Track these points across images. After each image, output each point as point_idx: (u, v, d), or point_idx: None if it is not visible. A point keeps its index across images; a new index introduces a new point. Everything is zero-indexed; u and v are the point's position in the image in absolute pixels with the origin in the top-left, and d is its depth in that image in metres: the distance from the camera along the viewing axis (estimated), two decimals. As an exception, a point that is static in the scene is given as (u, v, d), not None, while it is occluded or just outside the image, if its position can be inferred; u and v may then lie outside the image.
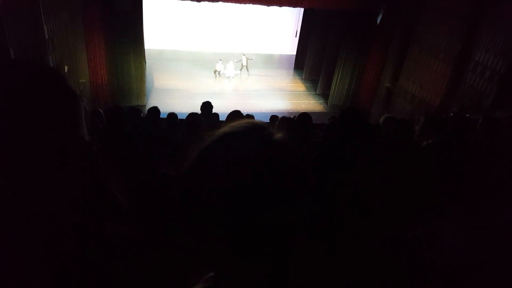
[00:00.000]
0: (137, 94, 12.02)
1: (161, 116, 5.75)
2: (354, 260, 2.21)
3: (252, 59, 16.35)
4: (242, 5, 11.75)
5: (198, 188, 0.69)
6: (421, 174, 3.10)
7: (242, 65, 16.12)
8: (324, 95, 14.56)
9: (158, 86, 14.06)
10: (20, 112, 0.71)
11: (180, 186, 0.74)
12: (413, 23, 10.74)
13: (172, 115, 5.90)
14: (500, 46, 7.99)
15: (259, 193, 0.65)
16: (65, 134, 0.78)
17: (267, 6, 11.70)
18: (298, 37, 18.11)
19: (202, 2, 11.25)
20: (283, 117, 5.12)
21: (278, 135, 0.72)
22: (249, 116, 5.69)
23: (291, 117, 5.64)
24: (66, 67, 8.37)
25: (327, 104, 13.96)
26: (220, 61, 15.65)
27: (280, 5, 11.47)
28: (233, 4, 11.66)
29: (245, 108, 9.53)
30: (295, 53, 18.45)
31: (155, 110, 5.52)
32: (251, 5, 11.53)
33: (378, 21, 11.29)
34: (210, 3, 11.57)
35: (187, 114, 5.06)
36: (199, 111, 5.72)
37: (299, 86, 15.99)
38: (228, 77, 15.81)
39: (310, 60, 16.12)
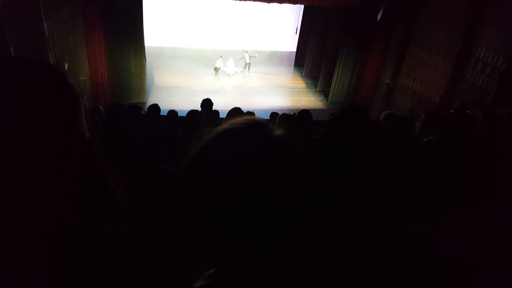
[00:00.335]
0: (137, 91, 12.02)
1: (161, 113, 5.75)
2: (354, 257, 2.21)
3: (255, 57, 16.34)
4: (243, 2, 11.73)
5: (197, 185, 0.69)
6: (421, 171, 3.10)
7: (245, 62, 16.11)
8: (324, 92, 14.55)
9: (158, 84, 14.06)
10: (20, 110, 0.71)
11: (179, 183, 0.73)
12: (413, 20, 10.71)
13: (172, 113, 5.90)
14: (500, 43, 7.97)
15: (259, 190, 0.64)
16: (65, 131, 0.78)
17: (268, 3, 11.68)
18: (298, 34, 18.10)
19: (202, -1, 11.24)
20: (283, 114, 5.12)
21: (278, 132, 0.72)
22: (250, 113, 5.68)
23: (291, 114, 5.64)
24: (66, 65, 8.37)
25: (327, 101, 13.96)
26: (220, 58, 15.63)
27: (281, 2, 11.45)
28: (234, 1, 11.65)
29: (245, 105, 9.52)
30: (295, 50, 18.44)
31: (155, 107, 5.52)
32: (251, 2, 11.51)
33: (379, 18, 11.26)
34: (211, 0, 11.55)
35: (187, 112, 5.05)
36: (199, 109, 5.72)
37: (300, 83, 15.98)
38: (229, 75, 15.80)
39: (310, 57, 16.11)
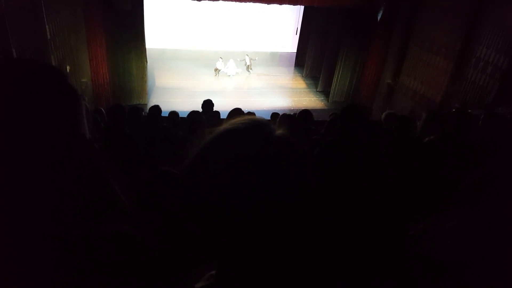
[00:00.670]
0: (139, 93, 12.03)
1: (163, 114, 5.76)
2: (355, 258, 2.21)
3: (255, 59, 16.34)
4: (243, 3, 11.74)
5: (198, 186, 0.69)
6: (422, 171, 3.10)
7: (246, 64, 16.12)
8: (325, 92, 14.54)
9: (159, 85, 14.07)
10: (22, 111, 0.71)
11: (180, 184, 0.74)
12: (413, 20, 10.71)
13: (174, 114, 5.91)
14: (501, 42, 7.97)
15: (260, 190, 0.64)
16: (66, 132, 0.78)
17: (268, 4, 11.69)
18: (298, 35, 18.09)
19: (202, 1, 11.24)
20: (284, 114, 5.12)
21: (279, 132, 0.72)
22: (250, 114, 5.68)
23: (292, 114, 5.64)
24: (68, 67, 8.38)
25: (328, 101, 13.95)
26: (221, 59, 15.63)
27: (281, 3, 11.45)
28: (234, 2, 11.65)
29: (246, 106, 9.54)
30: (295, 51, 18.42)
31: (156, 108, 5.52)
32: (251, 3, 11.51)
33: (379, 17, 11.25)
34: (211, 2, 11.56)
35: (188, 113, 5.06)
36: (200, 109, 5.73)
37: (300, 84, 15.98)
38: (229, 76, 15.80)
39: (310, 58, 16.10)
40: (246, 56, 16.10)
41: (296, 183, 0.68)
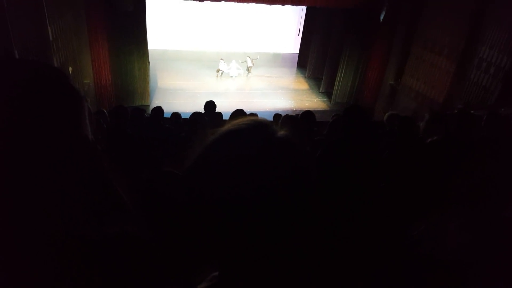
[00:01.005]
0: (141, 94, 12.06)
1: (165, 115, 5.77)
2: (358, 258, 2.21)
3: (256, 59, 16.34)
4: (245, 4, 11.75)
5: (201, 187, 0.68)
6: (425, 171, 3.09)
7: (247, 65, 16.12)
8: (327, 93, 14.54)
9: (161, 86, 14.09)
10: (24, 112, 0.71)
11: (183, 185, 0.73)
12: (416, 20, 10.69)
13: (176, 115, 5.92)
14: (504, 42, 7.95)
15: (262, 191, 0.64)
16: (69, 133, 0.78)
17: (270, 5, 11.69)
18: (301, 36, 18.09)
19: (204, 2, 11.25)
20: (287, 115, 5.11)
21: (282, 133, 0.72)
22: (253, 115, 5.68)
23: (295, 115, 5.63)
24: (70, 68, 8.41)
25: (330, 102, 13.94)
26: (222, 60, 15.64)
27: (283, 4, 11.45)
28: (236, 3, 11.66)
29: (248, 107, 9.52)
30: (298, 52, 18.42)
31: (159, 109, 5.53)
32: (253, 4, 11.53)
33: (381, 18, 11.24)
34: (213, 3, 11.58)
35: (190, 114, 5.07)
36: (202, 111, 5.73)
37: (302, 84, 15.97)
38: (232, 77, 15.81)
39: (313, 58, 16.10)
40: (248, 57, 16.10)
41: (299, 184, 0.68)
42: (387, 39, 11.81)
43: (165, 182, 1.96)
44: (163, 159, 4.06)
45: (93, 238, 0.83)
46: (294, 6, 12.75)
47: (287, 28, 19.18)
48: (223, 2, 11.37)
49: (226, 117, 5.78)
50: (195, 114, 4.99)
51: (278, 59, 18.88)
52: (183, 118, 5.93)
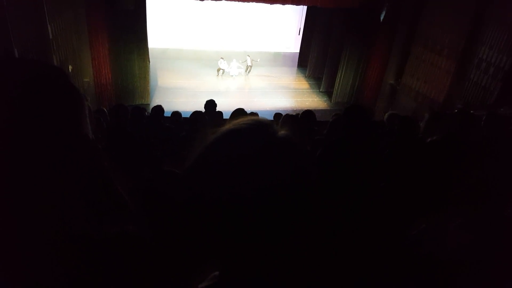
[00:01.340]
0: (141, 93, 12.04)
1: (165, 114, 5.76)
2: (358, 257, 2.21)
3: (257, 61, 16.33)
4: (246, 3, 11.74)
5: (201, 186, 0.68)
6: (425, 171, 3.09)
7: (247, 65, 16.12)
8: (327, 92, 14.53)
9: (162, 85, 14.08)
10: (24, 110, 0.71)
11: (183, 184, 0.73)
12: (416, 20, 10.69)
13: (176, 114, 5.91)
14: (504, 42, 7.95)
15: (263, 190, 0.64)
16: (69, 132, 0.78)
17: (270, 4, 11.68)
18: (301, 35, 18.07)
19: (205, 1, 11.24)
20: (287, 115, 5.11)
21: (282, 132, 0.72)
22: (253, 114, 5.68)
23: (295, 114, 5.63)
24: (70, 67, 8.40)
25: (331, 102, 13.93)
26: (222, 59, 15.63)
27: (283, 3, 11.44)
28: (237, 2, 11.65)
29: (249, 106, 9.52)
30: (298, 51, 18.40)
31: (159, 108, 5.53)
32: (254, 3, 11.51)
33: (382, 17, 11.23)
34: (214, 2, 11.57)
35: (191, 113, 5.06)
36: (203, 110, 5.73)
37: (303, 84, 15.96)
38: (232, 76, 15.81)
39: (313, 58, 16.08)
40: (248, 57, 16.09)
41: (299, 183, 0.68)
42: (387, 39, 11.81)
43: (166, 182, 1.96)
44: (163, 158, 4.05)
45: (94, 238, 0.84)
46: (294, 5, 12.72)
47: (287, 27, 19.16)
48: (223, 1, 11.36)
49: (226, 116, 5.78)
50: (196, 113, 4.99)
51: (278, 59, 18.87)
52: (183, 117, 5.93)
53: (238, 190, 0.65)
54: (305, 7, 16.35)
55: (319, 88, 15.06)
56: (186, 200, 0.72)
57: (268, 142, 0.69)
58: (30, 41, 6.22)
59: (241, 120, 0.73)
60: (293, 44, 19.24)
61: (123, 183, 1.01)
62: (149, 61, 12.91)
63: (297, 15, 18.40)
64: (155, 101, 12.00)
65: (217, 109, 6.14)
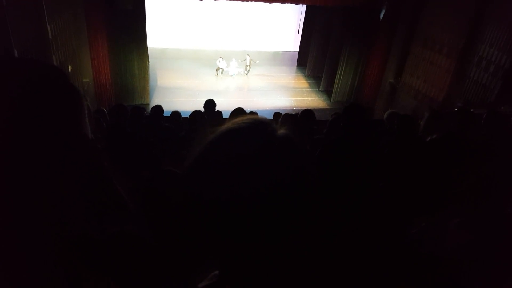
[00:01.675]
0: (141, 92, 12.04)
1: (165, 114, 5.76)
2: (358, 257, 2.21)
3: (256, 62, 16.31)
4: (245, 2, 11.73)
5: (200, 185, 0.68)
6: (425, 170, 3.09)
7: (246, 64, 16.11)
8: (327, 91, 14.53)
9: (161, 85, 14.08)
10: (23, 111, 0.71)
11: (182, 184, 0.73)
12: (416, 18, 10.69)
13: (176, 113, 5.91)
14: (504, 41, 7.95)
15: (262, 189, 0.64)
16: (68, 132, 0.78)
17: (270, 3, 11.68)
18: (300, 34, 18.06)
19: (204, 0, 11.24)
20: (286, 114, 5.11)
21: (282, 131, 0.72)
22: (252, 113, 5.67)
23: (294, 113, 5.63)
24: (69, 67, 8.40)
25: (330, 101, 13.93)
26: (221, 58, 15.62)
27: (283, 2, 11.44)
28: (236, 1, 11.64)
29: (248, 105, 9.52)
30: (297, 50, 18.40)
31: (158, 108, 5.53)
32: (253, 2, 11.51)
33: (381, 16, 11.23)
34: (213, 1, 11.56)
35: (190, 112, 5.06)
36: (202, 109, 5.73)
37: (302, 83, 15.97)
38: (231, 75, 15.81)
39: (313, 57, 16.09)
40: (247, 56, 16.09)
41: (298, 182, 0.68)
42: (387, 38, 11.81)
43: (165, 181, 1.96)
44: (163, 158, 4.05)
45: (94, 238, 0.83)
46: (293, 4, 12.71)
47: (287, 26, 19.15)
48: (222, 0, 11.35)
49: (226, 115, 5.78)
50: (195, 113, 4.98)
51: (277, 58, 18.87)
52: (183, 117, 5.92)
53: (237, 189, 0.64)
54: (304, 6, 16.34)
55: (319, 87, 15.06)
56: (185, 200, 0.72)
57: (267, 141, 0.69)
58: (30, 41, 6.22)
59: (240, 119, 0.73)
60: (292, 43, 19.25)
61: (123, 182, 1.01)
62: (148, 61, 12.90)
63: (296, 14, 18.39)
64: (154, 101, 12.00)
65: (217, 108, 6.14)
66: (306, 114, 5.03)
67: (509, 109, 6.14)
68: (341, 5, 11.76)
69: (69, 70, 8.37)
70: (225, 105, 7.44)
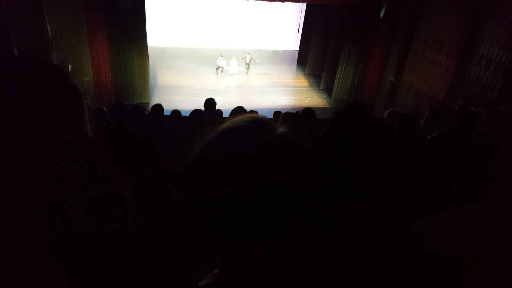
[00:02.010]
0: (141, 91, 12.04)
1: (165, 113, 5.76)
2: (358, 255, 2.21)
3: (256, 61, 16.30)
4: (245, 1, 11.72)
5: (200, 184, 0.68)
6: (425, 168, 3.09)
7: (246, 63, 16.10)
8: (327, 90, 14.52)
9: (161, 84, 14.08)
10: (23, 109, 0.71)
11: (182, 182, 0.73)
12: (416, 17, 10.68)
13: (176, 112, 5.91)
14: (504, 39, 7.94)
15: (262, 188, 0.64)
16: (68, 130, 0.78)
17: (270, 1, 11.67)
18: (301, 33, 18.05)
19: (204, -1, 11.24)
20: (287, 113, 5.11)
21: (282, 130, 0.72)
22: (253, 112, 5.66)
23: (295, 112, 5.63)
24: (69, 66, 8.40)
25: (330, 99, 13.92)
26: (221, 57, 15.61)
27: (283, 1, 11.43)
28: (236, 0, 11.62)
29: (248, 104, 9.53)
30: (298, 49, 18.38)
31: (158, 107, 5.53)
32: (253, 0, 11.50)
33: (381, 15, 11.22)
34: (213, 0, 11.56)
35: (190, 111, 5.06)
36: (202, 108, 5.73)
37: (302, 82, 15.96)
38: (231, 74, 15.80)
39: (313, 55, 16.07)
40: (247, 54, 16.08)
41: (299, 181, 0.68)
42: (387, 36, 11.79)
43: (165, 180, 1.96)
44: (163, 156, 4.06)
45: (94, 236, 0.83)
46: (293, 3, 12.70)
47: (287, 25, 19.13)
48: (222, -1, 11.35)
49: (226, 114, 5.78)
50: (195, 112, 4.98)
51: (278, 56, 18.86)
52: (183, 116, 5.92)
53: (237, 188, 0.64)
54: (304, 4, 16.32)
55: (319, 86, 15.05)
56: (185, 198, 0.72)
57: (267, 140, 0.68)
58: (30, 40, 6.22)
59: (240, 118, 0.73)
60: (292, 42, 19.23)
61: (123, 181, 1.01)
62: (148, 60, 12.89)
63: (296, 12, 18.38)
64: (154, 100, 12.00)
65: (217, 107, 6.14)
66: (306, 112, 5.03)
67: (510, 107, 6.14)
68: (341, 3, 11.75)
69: (69, 69, 8.38)
70: (225, 104, 7.44)
